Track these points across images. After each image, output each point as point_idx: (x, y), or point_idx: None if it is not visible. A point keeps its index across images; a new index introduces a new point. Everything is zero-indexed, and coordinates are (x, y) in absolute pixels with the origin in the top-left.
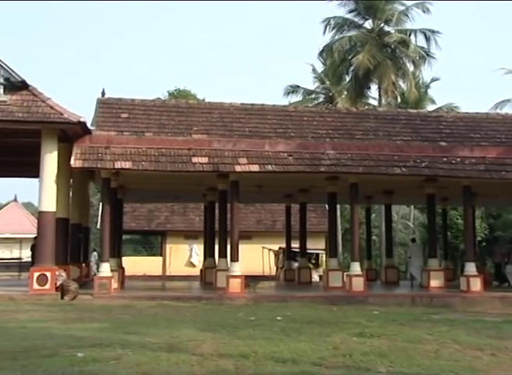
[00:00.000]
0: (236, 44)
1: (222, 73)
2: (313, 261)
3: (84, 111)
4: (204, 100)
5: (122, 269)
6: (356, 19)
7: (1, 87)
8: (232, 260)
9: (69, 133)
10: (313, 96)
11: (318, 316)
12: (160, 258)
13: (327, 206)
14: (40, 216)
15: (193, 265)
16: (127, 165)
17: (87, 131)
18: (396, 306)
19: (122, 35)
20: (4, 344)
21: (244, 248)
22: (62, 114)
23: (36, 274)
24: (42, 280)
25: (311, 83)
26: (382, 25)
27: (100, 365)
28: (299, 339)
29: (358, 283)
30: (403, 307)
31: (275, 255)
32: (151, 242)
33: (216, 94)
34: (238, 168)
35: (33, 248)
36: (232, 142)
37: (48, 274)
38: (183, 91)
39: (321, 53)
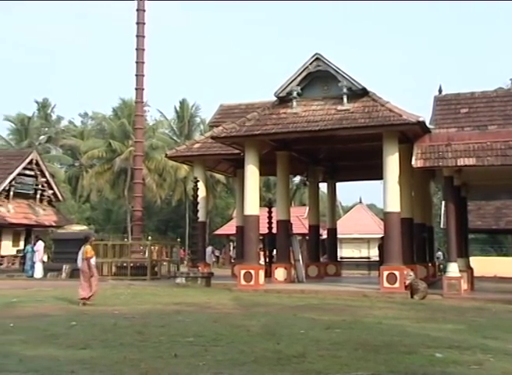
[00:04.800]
0: None
1: None
2: None
3: (417, 110)
4: None
5: (471, 269)
6: None
7: (345, 96)
8: None
9: (409, 134)
10: None
11: None
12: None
13: None
14: (385, 216)
15: None
16: (471, 161)
17: (427, 130)
18: None
19: (459, 36)
20: (365, 338)
21: None
22: (401, 116)
23: (385, 273)
24: (391, 278)
25: None
26: None
27: (461, 368)
28: None
29: None
30: None
31: None
32: (500, 241)
33: None
34: None
35: (380, 248)
36: None
37: (397, 273)
38: None
39: None
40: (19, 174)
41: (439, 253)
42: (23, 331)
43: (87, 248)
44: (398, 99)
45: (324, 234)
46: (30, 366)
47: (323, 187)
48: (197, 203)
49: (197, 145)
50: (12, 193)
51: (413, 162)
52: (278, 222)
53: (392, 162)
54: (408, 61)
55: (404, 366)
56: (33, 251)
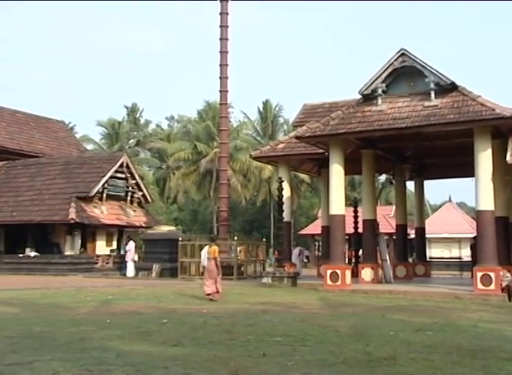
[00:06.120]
0: None
1: None
2: None
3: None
4: None
5: None
6: None
7: (433, 92)
8: None
9: (503, 128)
10: None
11: None
12: None
13: None
14: (478, 215)
15: None
16: None
17: None
18: None
19: None
20: (459, 342)
21: None
22: (493, 110)
23: (479, 274)
24: (486, 280)
25: None
26: None
27: None
28: None
29: None
30: None
31: None
32: None
33: None
34: None
35: (472, 248)
36: None
37: (492, 274)
38: None
39: None
40: (111, 177)
41: None
42: (119, 327)
43: (215, 248)
44: (490, 94)
45: (412, 234)
46: (126, 361)
47: (410, 185)
48: (282, 203)
49: (281, 145)
50: (105, 195)
51: (507, 158)
52: (364, 221)
53: (484, 158)
54: (500, 53)
55: (505, 373)
56: (125, 251)
